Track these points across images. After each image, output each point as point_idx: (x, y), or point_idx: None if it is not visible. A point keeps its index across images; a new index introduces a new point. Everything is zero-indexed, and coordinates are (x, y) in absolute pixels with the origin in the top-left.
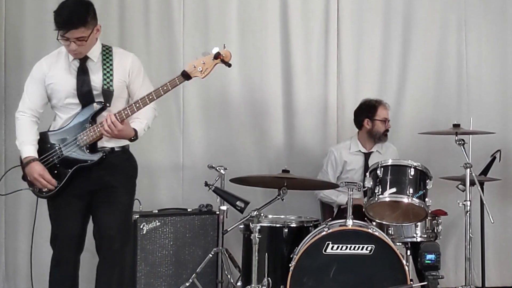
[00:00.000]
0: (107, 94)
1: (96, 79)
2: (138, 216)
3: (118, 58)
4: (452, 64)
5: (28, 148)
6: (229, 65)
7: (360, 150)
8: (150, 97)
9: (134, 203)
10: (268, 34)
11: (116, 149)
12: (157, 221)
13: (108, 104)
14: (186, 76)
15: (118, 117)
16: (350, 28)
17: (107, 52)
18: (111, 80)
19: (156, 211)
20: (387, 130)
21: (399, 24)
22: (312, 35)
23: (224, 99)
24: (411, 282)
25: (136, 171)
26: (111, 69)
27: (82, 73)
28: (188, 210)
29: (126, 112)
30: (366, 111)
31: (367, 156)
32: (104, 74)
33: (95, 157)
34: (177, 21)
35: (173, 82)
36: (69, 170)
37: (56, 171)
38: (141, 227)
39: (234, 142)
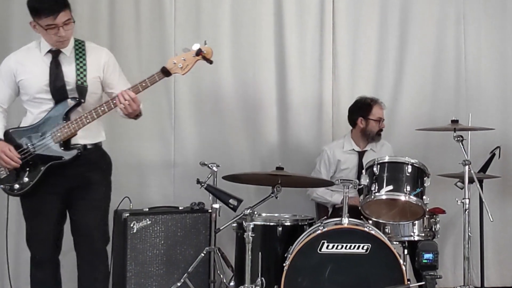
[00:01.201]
0: (81, 89)
1: (69, 74)
2: (128, 215)
3: (91, 53)
4: (450, 58)
5: None
6: (211, 62)
7: (353, 149)
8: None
9: (110, 200)
10: (261, 28)
11: (88, 146)
12: (147, 219)
13: (83, 100)
14: (166, 72)
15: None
16: (346, 21)
17: (79, 47)
18: (85, 76)
19: (147, 209)
20: (381, 130)
21: (396, 17)
22: (306, 29)
23: (217, 94)
24: (409, 282)
25: (111, 167)
26: (85, 64)
27: (55, 67)
28: (180, 208)
29: (102, 108)
30: (361, 109)
31: (361, 154)
32: (78, 70)
33: (70, 154)
34: (168, 14)
35: (152, 79)
36: (42, 167)
37: (28, 169)
38: (131, 225)
39: (227, 138)
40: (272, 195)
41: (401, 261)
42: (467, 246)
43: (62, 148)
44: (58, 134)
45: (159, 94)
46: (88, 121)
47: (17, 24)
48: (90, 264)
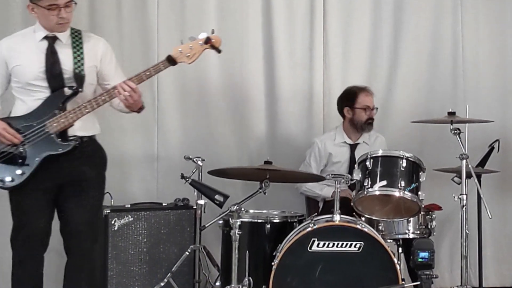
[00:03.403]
0: (79, 78)
1: (66, 62)
2: (109, 211)
3: (88, 42)
4: (447, 47)
5: None
6: (219, 51)
7: (345, 142)
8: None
9: (104, 197)
10: (248, 15)
11: (85, 139)
12: (129, 216)
13: (80, 89)
14: (171, 61)
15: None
16: (337, 8)
17: (76, 35)
18: (82, 64)
19: (129, 206)
20: (370, 119)
21: (390, 3)
22: (296, 16)
23: (202, 85)
24: (403, 282)
25: (106, 162)
26: (82, 53)
27: (51, 54)
28: (163, 204)
29: (103, 98)
30: (346, 99)
31: (353, 147)
32: (75, 58)
33: (67, 146)
34: (151, 1)
35: (157, 68)
36: (37, 159)
37: (20, 160)
38: (113, 222)
39: (213, 131)
40: (260, 190)
41: (395, 260)
42: (464, 244)
43: (59, 139)
44: (55, 124)
45: (141, 85)
46: (87, 111)
47: (16, 10)
48: (79, 265)
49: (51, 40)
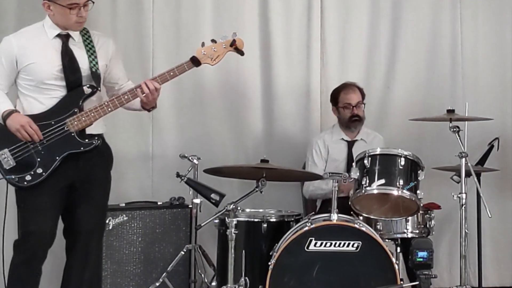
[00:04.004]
0: (96, 77)
1: (82, 60)
2: None
3: (98, 40)
4: (446, 44)
5: (5, 103)
6: (242, 54)
7: (343, 138)
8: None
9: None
10: (245, 11)
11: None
12: (124, 215)
13: (99, 88)
14: (196, 62)
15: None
16: (335, 4)
17: (85, 33)
18: (97, 63)
19: (123, 205)
20: (354, 116)
21: (388, 0)
22: (293, 12)
23: (197, 82)
24: (401, 282)
25: (113, 162)
26: (95, 51)
27: (67, 53)
28: (158, 203)
29: (126, 97)
30: (332, 98)
31: (350, 144)
32: (89, 56)
33: (89, 144)
34: None
35: (181, 68)
36: (58, 157)
37: (39, 159)
38: (107, 222)
39: (208, 129)
40: (257, 189)
41: (394, 260)
42: (463, 243)
43: (79, 137)
44: (75, 123)
45: (136, 82)
46: (110, 109)
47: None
48: (83, 265)
49: (65, 38)
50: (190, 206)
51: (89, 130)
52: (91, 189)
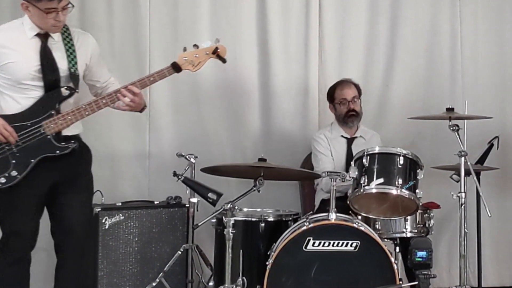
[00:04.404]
0: (75, 78)
1: (61, 61)
2: (100, 209)
3: (78, 39)
4: (445, 42)
5: None
6: (224, 61)
7: (342, 135)
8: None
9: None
10: (242, 9)
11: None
12: (120, 215)
13: (77, 90)
14: (176, 68)
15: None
16: (333, 1)
17: (65, 31)
18: (76, 63)
19: (120, 204)
20: (350, 111)
21: None
22: (291, 9)
23: (194, 80)
24: (400, 282)
25: (92, 161)
26: (74, 50)
27: (46, 53)
28: (155, 202)
29: (104, 101)
30: (328, 96)
31: (350, 141)
32: (68, 56)
33: (65, 148)
34: None
35: (161, 74)
36: (32, 159)
37: (14, 161)
38: (103, 221)
39: (206, 128)
40: (254, 188)
41: (393, 260)
42: (463, 243)
43: (55, 140)
44: (52, 125)
45: (133, 79)
46: (87, 113)
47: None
48: (76, 266)
49: (44, 37)
50: (187, 205)
51: (65, 132)
52: (73, 188)
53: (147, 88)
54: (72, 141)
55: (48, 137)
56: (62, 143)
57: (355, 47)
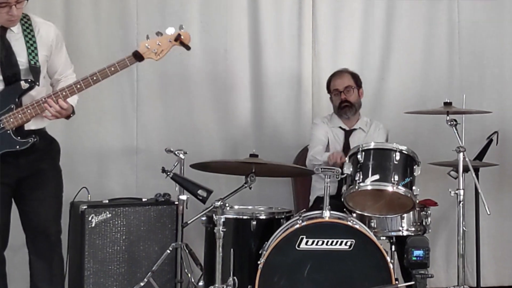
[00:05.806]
0: (35, 70)
1: (20, 53)
2: (86, 207)
3: (39, 29)
4: (442, 34)
5: None
6: (188, 48)
7: (340, 127)
8: (95, 77)
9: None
10: None
11: (38, 133)
12: (107, 212)
13: (38, 83)
14: (138, 57)
15: (55, 98)
16: None
17: (25, 22)
18: (36, 55)
19: (107, 201)
20: (343, 102)
21: None
22: (283, 0)
23: (184, 73)
24: (396, 282)
25: (60, 154)
26: (35, 42)
27: (4, 47)
28: (143, 200)
29: (64, 93)
30: (326, 88)
31: (348, 133)
32: (28, 48)
33: (25, 143)
34: None
35: (122, 63)
36: None
37: None
38: (90, 219)
39: (195, 122)
40: (246, 185)
41: (388, 259)
42: (461, 242)
43: (16, 135)
44: (11, 120)
45: (119, 73)
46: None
47: None
48: (49, 262)
49: (2, 30)
50: (176, 202)
51: (28, 126)
52: (39, 183)
53: (135, 81)
54: (33, 136)
55: (8, 132)
56: (22, 139)
57: (349, 40)
